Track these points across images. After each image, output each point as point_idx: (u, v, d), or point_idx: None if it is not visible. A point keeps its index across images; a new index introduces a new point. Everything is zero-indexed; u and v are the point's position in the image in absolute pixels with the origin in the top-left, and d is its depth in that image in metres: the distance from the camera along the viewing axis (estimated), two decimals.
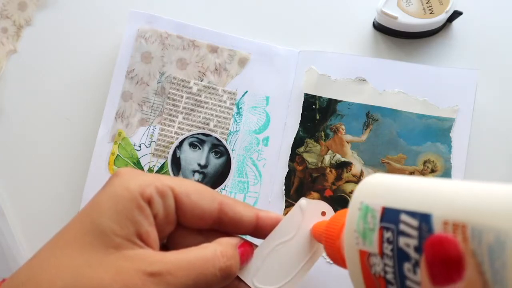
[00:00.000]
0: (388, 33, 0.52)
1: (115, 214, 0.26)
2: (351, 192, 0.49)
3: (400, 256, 0.21)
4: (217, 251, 0.27)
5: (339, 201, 0.49)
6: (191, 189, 0.29)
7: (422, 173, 0.48)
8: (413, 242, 0.20)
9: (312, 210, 0.31)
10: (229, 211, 0.29)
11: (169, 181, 0.28)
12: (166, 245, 0.31)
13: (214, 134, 0.50)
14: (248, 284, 0.30)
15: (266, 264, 0.30)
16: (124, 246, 0.26)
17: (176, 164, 0.49)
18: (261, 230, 0.31)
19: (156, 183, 0.27)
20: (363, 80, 0.50)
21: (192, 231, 0.30)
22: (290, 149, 0.49)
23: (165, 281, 0.25)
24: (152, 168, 0.49)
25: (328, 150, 0.49)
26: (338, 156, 0.49)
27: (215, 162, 0.50)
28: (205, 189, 0.30)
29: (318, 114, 0.50)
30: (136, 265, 0.25)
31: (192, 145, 0.50)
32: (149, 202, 0.27)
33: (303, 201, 0.31)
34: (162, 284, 0.25)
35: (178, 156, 0.50)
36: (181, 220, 0.29)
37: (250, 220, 0.30)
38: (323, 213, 0.30)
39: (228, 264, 0.27)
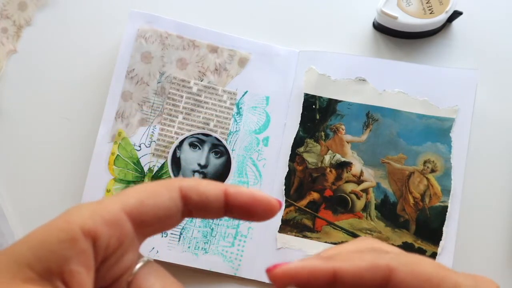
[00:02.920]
0: (388, 33, 0.52)
1: (38, 245, 0.22)
2: (351, 192, 0.49)
3: None
4: None
5: (339, 201, 0.49)
6: (142, 195, 0.24)
7: (422, 173, 0.48)
8: None
9: None
10: (193, 193, 0.25)
11: (120, 203, 0.24)
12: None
13: (214, 134, 0.50)
14: None
15: None
16: (35, 282, 0.21)
17: (176, 164, 0.49)
18: (234, 208, 0.26)
19: (103, 214, 0.23)
20: (363, 80, 0.50)
21: None
22: (290, 149, 0.49)
23: None
24: (152, 168, 0.49)
25: (328, 150, 0.49)
26: (338, 156, 0.49)
27: (215, 162, 0.50)
28: (158, 186, 0.25)
29: (318, 114, 0.50)
30: None
31: (192, 145, 0.50)
32: (93, 236, 0.22)
33: None
34: None
35: (178, 156, 0.50)
36: (143, 233, 0.25)
37: (218, 198, 0.26)
38: None
39: None
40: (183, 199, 0.25)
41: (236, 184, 0.27)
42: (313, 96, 0.50)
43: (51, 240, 0.22)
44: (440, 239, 0.47)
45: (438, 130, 0.48)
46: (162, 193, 0.25)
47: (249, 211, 0.26)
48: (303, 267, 0.23)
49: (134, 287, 0.25)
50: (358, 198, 0.49)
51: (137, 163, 0.49)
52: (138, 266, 0.25)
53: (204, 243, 0.48)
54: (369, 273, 0.23)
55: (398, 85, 0.49)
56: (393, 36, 0.52)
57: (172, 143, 0.50)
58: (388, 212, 0.48)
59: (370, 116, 0.49)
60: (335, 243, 0.48)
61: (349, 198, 0.49)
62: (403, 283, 0.23)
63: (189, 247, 0.48)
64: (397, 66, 0.50)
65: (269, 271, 0.24)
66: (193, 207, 0.25)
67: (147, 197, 0.24)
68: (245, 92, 0.50)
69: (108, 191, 0.49)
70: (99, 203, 0.24)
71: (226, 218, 0.48)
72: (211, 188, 0.25)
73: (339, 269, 0.23)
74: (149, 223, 0.24)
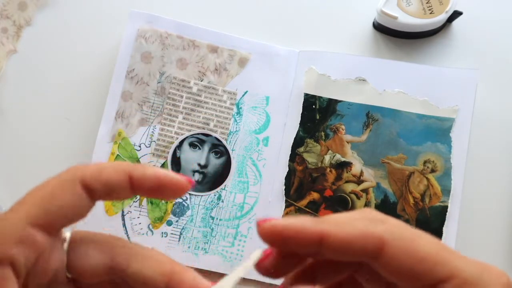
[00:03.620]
0: (388, 33, 0.52)
1: None
2: (351, 192, 0.49)
3: None
4: None
5: (339, 201, 0.49)
6: (45, 200, 0.23)
7: (422, 173, 0.48)
8: None
9: None
10: (96, 184, 0.24)
11: (24, 218, 0.23)
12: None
13: (214, 134, 0.50)
14: None
15: None
16: None
17: (176, 164, 0.49)
18: (140, 190, 0.25)
19: (10, 235, 0.22)
20: (363, 80, 0.50)
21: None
22: (290, 149, 0.49)
23: None
24: None
25: (328, 150, 0.49)
26: (338, 156, 0.49)
27: (215, 162, 0.50)
28: (59, 184, 0.24)
29: (318, 114, 0.50)
30: None
31: (192, 145, 0.50)
32: (9, 260, 0.22)
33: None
34: None
35: (178, 156, 0.50)
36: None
37: (122, 183, 0.24)
38: None
39: None
40: (87, 192, 0.24)
41: (143, 165, 0.25)
42: (313, 96, 0.50)
43: None
44: (440, 239, 0.47)
45: (438, 130, 0.48)
46: (64, 192, 0.24)
47: (156, 192, 0.25)
48: (291, 224, 0.23)
49: (75, 270, 0.25)
50: (358, 198, 0.49)
51: (137, 163, 0.49)
52: (65, 247, 0.25)
53: (204, 243, 0.48)
54: (359, 242, 0.22)
55: (398, 85, 0.49)
56: (393, 36, 0.52)
57: (172, 143, 0.50)
58: (388, 212, 0.48)
59: (370, 116, 0.49)
60: None
61: (349, 198, 0.49)
62: (394, 259, 0.22)
63: (189, 247, 0.48)
64: (397, 66, 0.50)
65: (258, 224, 0.23)
66: (98, 196, 0.24)
67: (50, 201, 0.23)
68: (245, 92, 0.50)
69: None
70: (5, 224, 0.23)
71: (226, 218, 0.48)
72: (114, 175, 0.24)
73: (327, 233, 0.22)
74: (59, 224, 0.24)
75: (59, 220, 0.23)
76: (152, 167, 0.25)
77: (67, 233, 0.25)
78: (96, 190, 0.24)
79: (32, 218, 0.23)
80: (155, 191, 0.25)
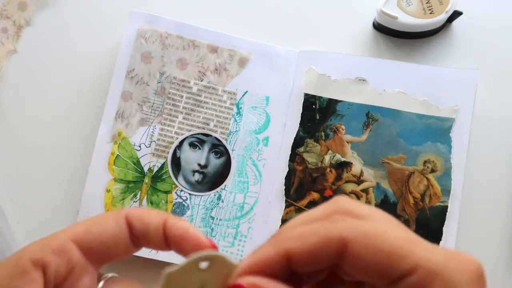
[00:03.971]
0: (388, 33, 0.52)
1: None
2: (351, 192, 0.49)
3: None
4: None
5: None
6: (89, 223, 0.26)
7: (422, 173, 0.48)
8: None
9: None
10: (137, 221, 0.26)
11: (68, 233, 0.25)
12: None
13: (214, 134, 0.50)
14: None
15: None
16: None
17: (176, 164, 0.49)
18: (170, 240, 0.26)
19: (51, 243, 0.25)
20: (363, 80, 0.50)
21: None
22: (290, 149, 0.49)
23: None
24: (152, 168, 0.49)
25: (328, 150, 0.49)
26: (338, 156, 0.49)
27: (215, 162, 0.50)
28: (106, 214, 0.27)
29: (318, 114, 0.50)
30: None
31: (192, 145, 0.50)
32: (42, 265, 0.24)
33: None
34: None
35: (178, 156, 0.50)
36: (97, 258, 0.26)
37: (158, 228, 0.26)
38: None
39: None
40: (128, 227, 0.26)
41: (182, 218, 0.28)
42: (313, 96, 0.50)
43: (5, 277, 0.24)
44: (440, 239, 0.47)
45: (438, 130, 0.48)
46: (109, 220, 0.26)
47: (180, 245, 0.26)
48: (254, 261, 0.23)
49: None
50: (358, 198, 0.49)
51: (137, 163, 0.49)
52: (100, 284, 0.27)
53: None
54: (321, 249, 0.22)
55: (398, 85, 0.49)
56: (393, 36, 0.52)
57: (172, 143, 0.50)
58: (388, 212, 0.48)
59: (370, 116, 0.49)
60: None
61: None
62: (358, 257, 0.21)
63: None
64: (397, 66, 0.50)
65: None
66: (137, 235, 0.26)
67: (94, 225, 0.26)
68: (245, 92, 0.50)
69: (108, 191, 0.49)
70: (51, 235, 0.26)
71: (226, 218, 0.48)
72: (153, 218, 0.26)
73: (290, 251, 0.22)
74: (97, 249, 0.26)
75: (97, 243, 0.26)
76: (188, 222, 0.28)
77: (109, 274, 0.28)
78: (135, 228, 0.26)
79: (74, 234, 0.25)
80: (180, 242, 0.26)
